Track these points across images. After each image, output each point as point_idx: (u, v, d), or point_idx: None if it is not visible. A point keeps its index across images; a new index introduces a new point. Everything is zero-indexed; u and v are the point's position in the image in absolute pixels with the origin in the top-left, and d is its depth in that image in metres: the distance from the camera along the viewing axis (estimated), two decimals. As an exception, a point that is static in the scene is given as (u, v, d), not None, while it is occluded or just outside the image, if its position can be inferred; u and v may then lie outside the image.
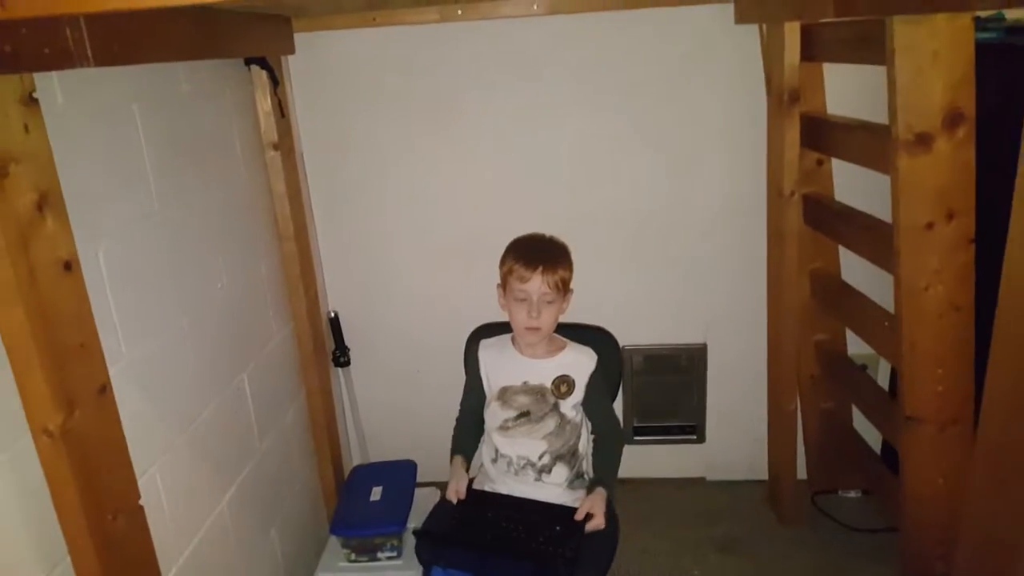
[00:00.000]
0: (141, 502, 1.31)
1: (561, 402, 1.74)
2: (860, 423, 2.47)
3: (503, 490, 1.78)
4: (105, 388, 1.22)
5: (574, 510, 1.66)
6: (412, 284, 2.56)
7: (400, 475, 2.33)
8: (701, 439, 2.69)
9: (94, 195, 1.35)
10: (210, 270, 1.80)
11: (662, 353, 2.58)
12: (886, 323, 1.93)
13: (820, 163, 2.29)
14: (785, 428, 2.47)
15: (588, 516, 1.65)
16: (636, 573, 2.31)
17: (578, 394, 1.74)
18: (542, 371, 1.75)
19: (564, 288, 1.68)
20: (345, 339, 2.58)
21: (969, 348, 1.73)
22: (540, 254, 1.66)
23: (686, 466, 2.74)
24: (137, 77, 1.51)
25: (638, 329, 2.54)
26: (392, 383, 2.67)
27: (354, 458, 2.72)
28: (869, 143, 1.86)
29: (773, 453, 2.59)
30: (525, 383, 1.75)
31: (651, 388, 2.62)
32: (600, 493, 1.70)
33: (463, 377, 1.89)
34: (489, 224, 2.42)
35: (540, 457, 1.76)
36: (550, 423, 1.74)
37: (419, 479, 2.37)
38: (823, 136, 2.13)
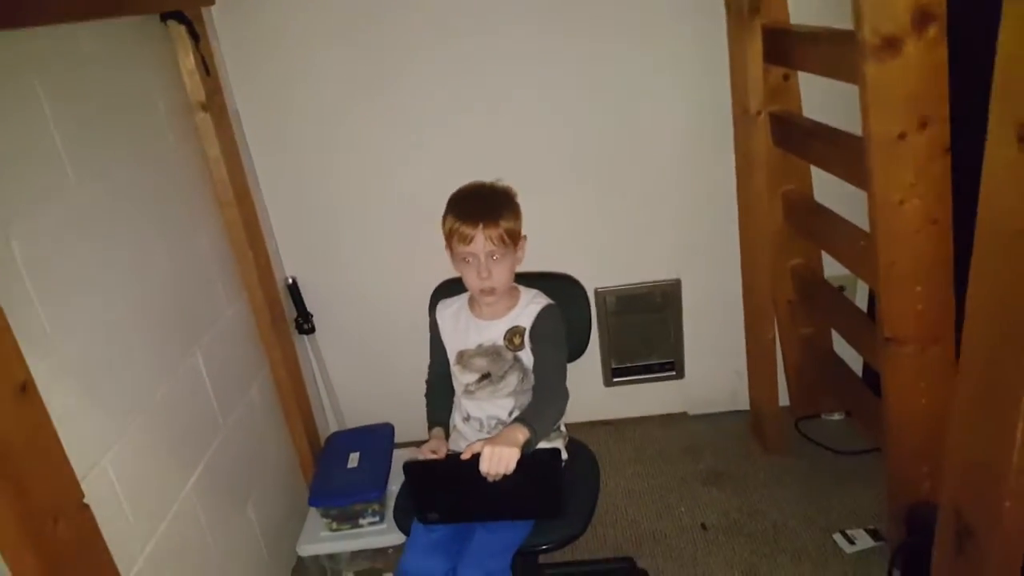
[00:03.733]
0: (86, 500, 1.22)
1: (520, 354, 1.66)
2: (840, 346, 2.44)
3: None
4: (25, 386, 1.11)
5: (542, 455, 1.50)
6: (371, 243, 2.44)
7: (377, 439, 2.26)
8: (680, 375, 2.64)
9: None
10: (144, 246, 1.68)
11: (635, 292, 2.51)
12: (862, 243, 1.86)
13: (786, 78, 2.18)
14: (765, 357, 2.42)
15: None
16: (621, 513, 2.29)
17: (526, 340, 1.65)
18: (496, 330, 1.66)
19: (513, 239, 1.56)
20: (307, 305, 2.47)
21: (948, 264, 1.66)
22: (478, 208, 1.54)
23: (667, 403, 2.70)
24: (33, 42, 1.36)
25: (609, 270, 2.46)
26: (361, 346, 2.59)
27: (331, 426, 2.65)
28: (835, 52, 1.75)
29: (754, 383, 2.55)
30: (479, 346, 1.66)
31: (627, 328, 2.55)
32: (512, 430, 1.43)
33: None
34: (445, 176, 2.26)
35: (510, 414, 1.69)
36: (512, 380, 1.66)
37: (397, 440, 2.32)
38: (787, 49, 2.02)
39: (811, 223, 2.25)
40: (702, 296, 2.52)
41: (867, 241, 1.83)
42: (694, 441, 2.58)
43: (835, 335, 2.45)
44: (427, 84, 2.25)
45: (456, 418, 1.77)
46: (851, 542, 2.06)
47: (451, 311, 1.73)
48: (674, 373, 2.63)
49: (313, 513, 2.14)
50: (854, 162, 1.78)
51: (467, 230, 1.52)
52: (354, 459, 2.17)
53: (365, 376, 2.62)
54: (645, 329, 2.57)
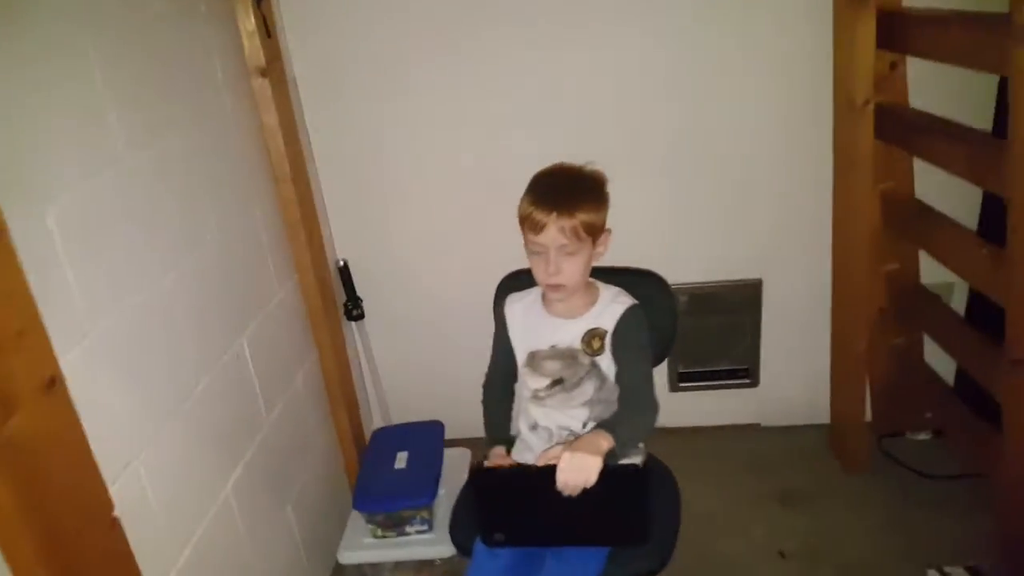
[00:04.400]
0: (116, 512, 1.09)
1: (599, 359, 1.49)
2: (930, 356, 2.23)
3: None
4: (55, 381, 0.98)
5: (629, 469, 1.37)
6: (429, 224, 2.29)
7: (426, 438, 2.12)
8: (755, 383, 2.44)
9: (37, 147, 1.09)
10: (194, 221, 1.55)
11: (711, 291, 2.31)
12: (983, 250, 1.65)
13: (894, 66, 1.96)
14: (853, 369, 2.21)
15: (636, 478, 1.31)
16: (690, 535, 2.09)
17: (607, 343, 1.47)
18: (572, 330, 1.49)
19: (591, 233, 1.38)
20: (357, 290, 2.33)
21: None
22: (557, 195, 1.36)
23: (739, 412, 2.51)
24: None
25: (683, 266, 2.26)
26: (412, 335, 2.44)
27: (375, 421, 2.51)
28: (975, 38, 1.53)
29: (837, 396, 2.34)
30: (553, 347, 1.49)
31: (699, 330, 2.36)
32: (594, 437, 1.30)
33: (490, 326, 1.64)
34: (513, 154, 2.12)
35: (584, 426, 1.52)
36: (588, 388, 1.49)
37: (447, 438, 2.18)
38: (904, 33, 1.80)
39: (913, 224, 2.03)
40: (784, 299, 2.32)
41: (990, 250, 1.62)
42: (768, 455, 2.39)
43: (925, 346, 2.24)
44: (497, 58, 2.08)
45: (522, 426, 1.61)
46: (948, 579, 1.86)
47: (522, 305, 1.57)
48: (748, 381, 2.43)
49: (356, 517, 2.01)
50: (982, 160, 1.57)
51: (539, 217, 1.34)
52: (402, 459, 2.03)
53: (414, 368, 2.48)
54: (719, 332, 2.37)
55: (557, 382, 1.50)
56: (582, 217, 1.35)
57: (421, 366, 2.47)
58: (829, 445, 2.39)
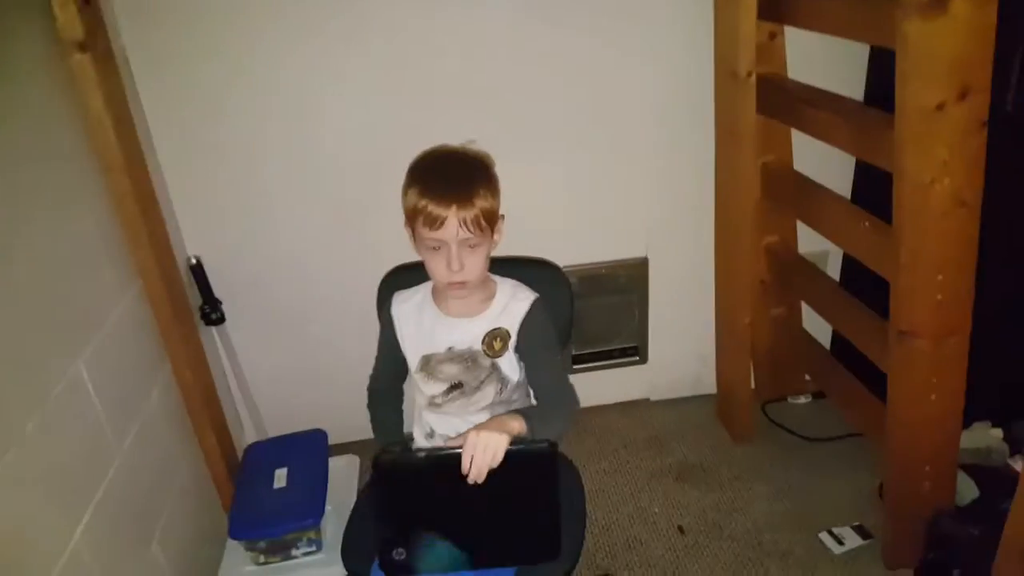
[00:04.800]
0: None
1: (500, 361, 1.38)
2: (807, 323, 2.31)
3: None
4: None
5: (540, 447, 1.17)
6: (295, 213, 2.06)
7: (307, 449, 1.94)
8: (644, 360, 2.42)
9: None
10: (6, 228, 1.28)
11: (599, 272, 2.25)
12: (865, 224, 1.67)
13: (773, 36, 1.94)
14: (737, 342, 2.22)
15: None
16: (590, 518, 2.05)
17: (510, 344, 1.37)
18: (470, 330, 1.36)
19: (491, 222, 1.26)
20: (214, 291, 2.08)
21: (972, 249, 1.48)
22: (450, 184, 1.22)
23: (628, 389, 2.48)
24: None
25: (570, 248, 2.18)
26: (283, 338, 2.21)
27: (248, 435, 2.27)
28: (861, 8, 1.51)
29: (723, 368, 2.37)
30: (451, 349, 1.36)
31: (588, 311, 2.29)
32: (505, 418, 1.20)
33: (373, 323, 1.49)
34: (385, 133, 1.95)
35: (486, 432, 1.41)
36: (489, 391, 1.38)
37: (333, 442, 2.00)
38: (786, 2, 1.77)
39: (792, 196, 2.05)
40: (670, 276, 2.29)
41: (873, 224, 1.64)
42: (659, 431, 2.38)
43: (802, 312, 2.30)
44: (366, 22, 1.87)
45: (417, 435, 1.48)
46: (840, 542, 1.92)
47: (412, 305, 1.42)
48: (637, 358, 2.41)
49: (234, 544, 1.80)
50: (866, 134, 1.58)
51: (437, 211, 1.20)
52: (281, 476, 1.84)
53: (289, 374, 2.25)
54: (608, 312, 2.32)
55: (455, 387, 1.38)
56: (482, 205, 1.22)
57: (296, 371, 2.25)
58: (717, 416, 2.42)
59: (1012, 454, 1.93)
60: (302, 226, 2.07)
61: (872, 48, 1.99)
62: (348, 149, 1.99)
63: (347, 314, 2.02)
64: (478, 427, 1.15)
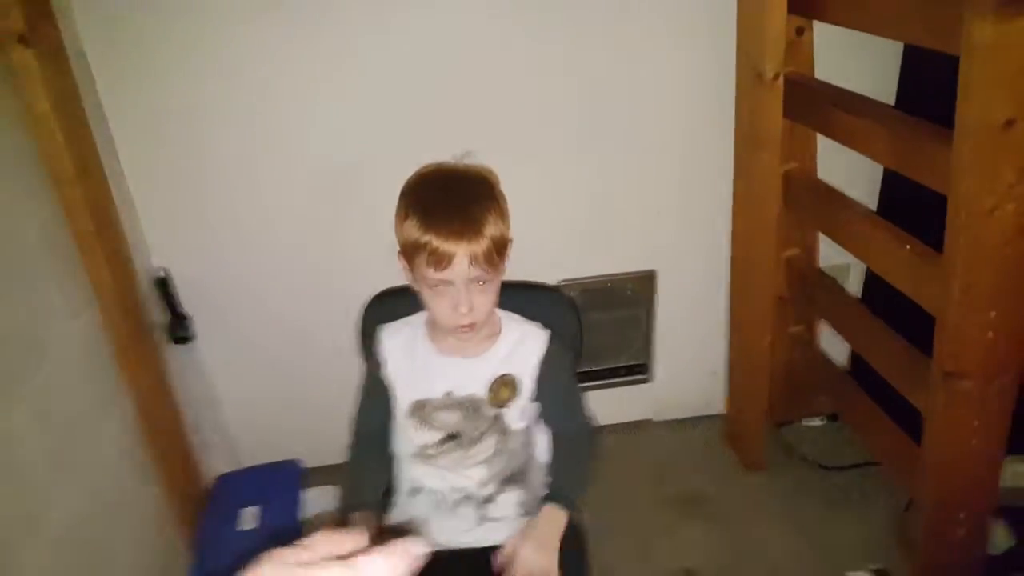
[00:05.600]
0: None
1: (504, 411, 1.21)
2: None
3: (432, 534, 1.25)
4: None
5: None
6: (272, 224, 1.86)
7: (281, 484, 1.77)
8: (649, 378, 2.25)
9: None
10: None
11: (603, 285, 2.07)
12: (908, 247, 1.50)
13: (800, 32, 1.76)
14: (754, 361, 2.05)
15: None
16: (591, 557, 1.90)
17: (526, 393, 1.21)
18: (473, 373, 1.20)
19: (502, 252, 1.10)
20: (182, 306, 1.88)
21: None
22: (457, 214, 1.04)
23: (631, 409, 2.32)
24: None
25: (573, 259, 2.01)
26: (259, 358, 2.01)
27: (218, 465, 2.07)
28: (914, 3, 1.33)
29: (736, 388, 2.19)
30: (449, 394, 1.19)
31: (591, 328, 2.12)
32: (550, 520, 1.15)
33: (348, 339, 1.33)
34: (375, 146, 1.76)
35: (483, 486, 1.24)
36: (489, 443, 1.22)
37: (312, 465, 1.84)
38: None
39: (816, 207, 1.87)
40: (679, 290, 2.12)
41: (915, 248, 1.47)
42: (664, 455, 2.22)
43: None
44: (355, 33, 1.68)
45: (399, 489, 1.31)
46: (860, 588, 1.77)
47: (402, 340, 1.24)
48: (642, 376, 2.24)
49: (200, 591, 1.63)
50: (914, 149, 1.40)
51: (444, 248, 1.03)
52: (250, 516, 1.67)
53: (263, 394, 2.05)
54: (613, 327, 2.15)
55: (452, 437, 1.21)
56: (493, 235, 1.05)
57: (272, 392, 2.05)
58: (725, 439, 2.26)
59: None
60: (280, 237, 1.88)
61: (907, 48, 1.81)
62: (331, 157, 1.79)
63: (327, 331, 1.84)
64: (524, 540, 1.10)
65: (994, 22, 1.11)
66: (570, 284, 2.03)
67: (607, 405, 2.26)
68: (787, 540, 1.91)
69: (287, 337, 1.99)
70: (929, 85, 1.74)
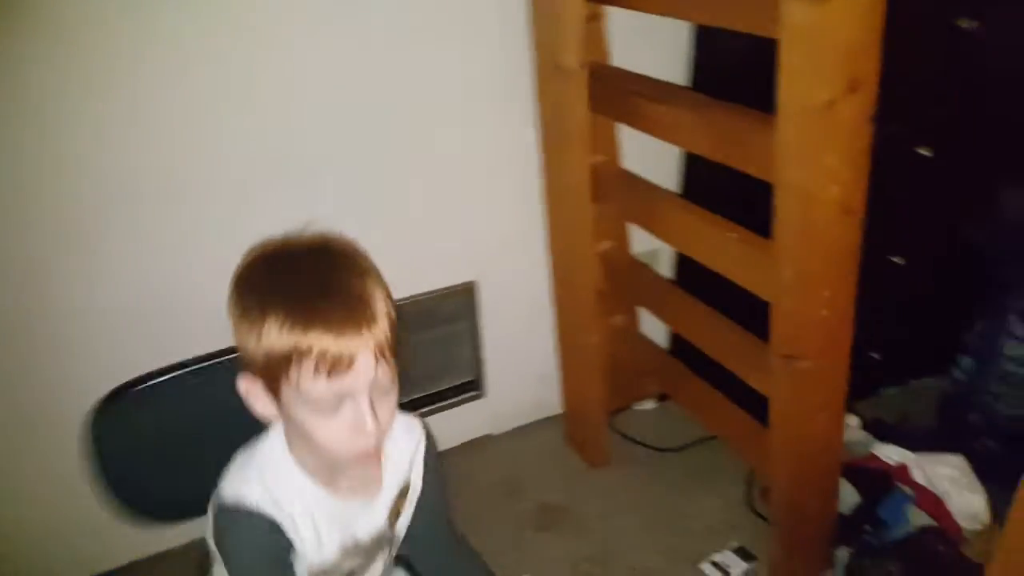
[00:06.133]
0: None
1: (399, 522, 1.00)
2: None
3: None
4: None
5: None
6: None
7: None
8: (482, 393, 2.11)
9: None
10: None
11: (422, 303, 1.89)
12: (730, 234, 1.48)
13: (593, 19, 1.68)
14: (584, 358, 1.99)
15: None
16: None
17: (415, 495, 1.00)
18: (376, 510, 0.95)
19: (396, 339, 0.82)
20: None
21: (856, 257, 1.34)
22: (342, 299, 0.77)
23: (468, 427, 2.16)
24: None
25: (391, 281, 1.80)
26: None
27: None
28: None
29: (570, 388, 2.12)
30: (356, 544, 0.94)
31: (417, 349, 1.94)
32: None
33: None
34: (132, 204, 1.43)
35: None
36: (379, 564, 1.00)
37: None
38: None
39: (624, 198, 1.84)
40: (502, 297, 2.00)
41: (742, 236, 1.45)
42: (510, 469, 2.10)
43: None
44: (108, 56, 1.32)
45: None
46: (725, 571, 1.77)
47: (303, 507, 0.87)
48: (476, 393, 2.10)
49: None
50: (733, 138, 1.37)
51: (338, 347, 0.74)
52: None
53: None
54: (439, 346, 1.99)
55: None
56: (388, 315, 0.80)
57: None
58: (566, 439, 2.19)
59: (878, 439, 1.89)
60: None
61: (699, 30, 1.80)
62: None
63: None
64: None
65: (810, 3, 1.07)
66: (386, 309, 1.83)
67: (442, 428, 2.05)
68: (645, 535, 1.88)
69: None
70: (724, 69, 1.75)
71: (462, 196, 1.82)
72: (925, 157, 1.86)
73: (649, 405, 2.29)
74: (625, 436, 2.18)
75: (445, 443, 2.10)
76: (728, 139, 1.37)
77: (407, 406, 1.85)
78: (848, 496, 1.72)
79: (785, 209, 1.26)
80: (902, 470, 1.79)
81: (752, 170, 1.31)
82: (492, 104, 1.74)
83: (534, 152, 1.78)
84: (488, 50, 1.67)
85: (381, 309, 0.78)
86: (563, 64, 1.56)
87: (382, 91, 1.62)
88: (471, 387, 2.08)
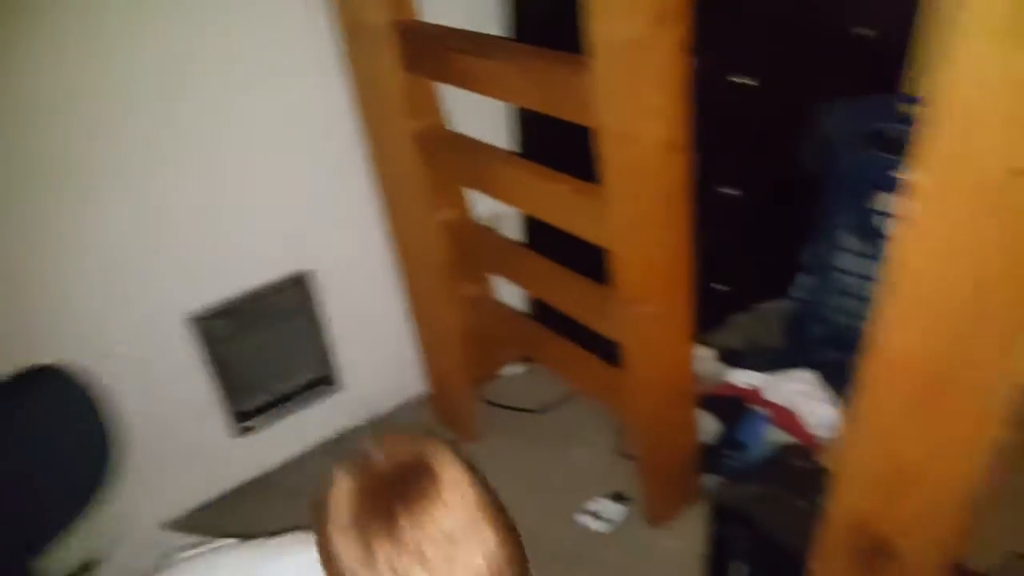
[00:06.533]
0: None
1: None
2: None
3: None
4: None
5: None
6: None
7: None
8: (338, 386, 1.99)
9: None
10: None
11: (254, 300, 1.73)
12: (563, 186, 1.43)
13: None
14: (442, 333, 1.92)
15: None
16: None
17: None
18: None
19: None
20: None
21: (686, 194, 1.32)
22: None
23: (328, 424, 2.03)
24: None
25: (211, 281, 1.64)
26: None
27: None
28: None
29: (433, 365, 2.05)
30: None
31: (251, 353, 1.78)
32: None
33: None
34: None
35: None
36: None
37: None
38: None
39: (454, 161, 1.74)
40: (344, 283, 1.87)
41: (573, 187, 1.40)
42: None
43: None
44: None
45: None
46: (599, 518, 1.77)
47: None
48: (332, 387, 1.97)
49: None
50: (550, 84, 1.30)
51: None
52: None
53: None
54: (280, 345, 1.83)
55: None
56: None
57: None
58: (436, 417, 2.12)
59: (731, 366, 1.94)
60: None
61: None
62: None
63: None
64: None
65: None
66: (210, 312, 1.66)
67: (299, 429, 1.97)
68: (524, 495, 1.83)
69: None
70: (545, 15, 1.68)
71: (278, 181, 1.66)
72: (751, 87, 1.89)
73: (517, 370, 2.25)
74: (495, 404, 2.14)
75: (305, 444, 1.99)
76: (548, 88, 1.30)
77: (254, 413, 1.69)
78: (710, 426, 1.76)
79: (608, 152, 1.22)
80: (756, 393, 1.85)
81: (574, 116, 1.25)
82: (298, 76, 1.59)
83: (352, 122, 1.65)
84: (291, 15, 1.52)
85: None
86: (368, 21, 1.44)
87: (181, 82, 1.44)
88: (324, 382, 1.95)
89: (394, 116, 1.57)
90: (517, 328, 2.05)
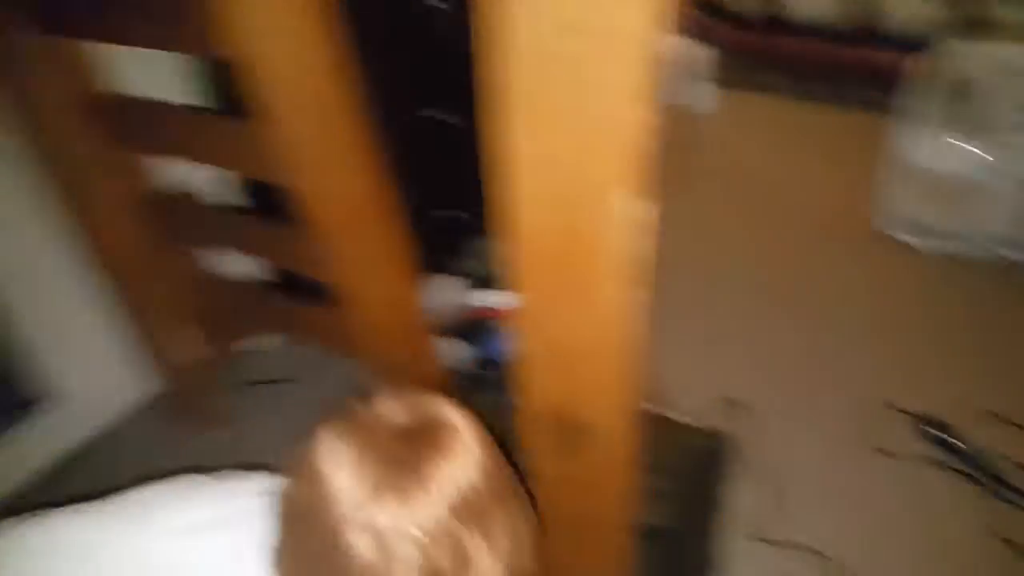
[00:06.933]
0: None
1: None
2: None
3: None
4: None
5: None
6: None
7: None
8: (50, 406, 1.72)
9: None
10: None
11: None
12: (216, 127, 1.29)
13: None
14: (160, 321, 1.73)
15: None
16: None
17: None
18: None
19: None
20: None
21: (362, 117, 1.24)
22: None
23: (47, 451, 1.77)
24: None
25: None
26: None
27: None
28: None
29: (161, 359, 1.83)
30: None
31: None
32: None
33: None
34: None
35: None
36: None
37: None
38: None
39: (123, 124, 1.52)
40: (37, 289, 1.62)
41: (223, 129, 1.28)
42: (131, 468, 1.74)
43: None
44: None
45: None
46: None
47: None
48: (39, 408, 1.70)
49: None
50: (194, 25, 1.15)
51: None
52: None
53: None
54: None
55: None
56: None
57: None
58: (176, 411, 1.91)
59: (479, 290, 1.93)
60: None
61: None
62: None
63: None
64: None
65: None
66: None
67: (11, 466, 1.70)
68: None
69: None
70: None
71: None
72: (439, 8, 1.83)
73: (274, 342, 2.09)
74: (252, 383, 1.98)
75: (20, 481, 1.72)
76: (194, 26, 1.14)
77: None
78: (465, 352, 1.75)
79: (268, 90, 1.10)
80: (503, 311, 1.86)
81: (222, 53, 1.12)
82: None
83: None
84: None
85: None
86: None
87: None
88: (28, 405, 1.68)
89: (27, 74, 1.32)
90: (243, 298, 1.88)
